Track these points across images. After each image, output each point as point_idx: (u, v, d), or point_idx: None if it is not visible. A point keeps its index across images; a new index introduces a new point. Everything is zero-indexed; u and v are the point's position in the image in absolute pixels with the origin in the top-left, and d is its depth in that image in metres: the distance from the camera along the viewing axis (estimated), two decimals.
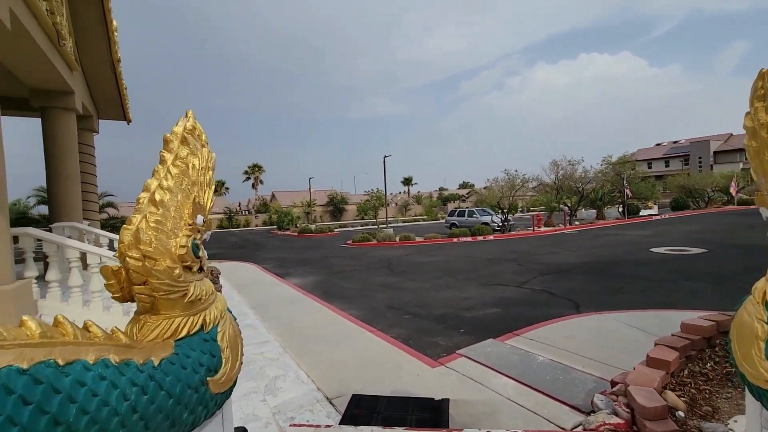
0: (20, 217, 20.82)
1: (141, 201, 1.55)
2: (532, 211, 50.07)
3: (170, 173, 1.64)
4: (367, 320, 6.32)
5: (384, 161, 23.07)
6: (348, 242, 20.55)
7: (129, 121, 11.29)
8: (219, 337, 1.66)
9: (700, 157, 59.31)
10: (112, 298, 1.45)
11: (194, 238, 1.60)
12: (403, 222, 41.80)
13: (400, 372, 4.17)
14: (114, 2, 7.67)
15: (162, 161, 1.67)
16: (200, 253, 1.64)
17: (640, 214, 27.11)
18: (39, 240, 5.01)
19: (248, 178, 64.94)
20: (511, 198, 20.73)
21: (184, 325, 1.54)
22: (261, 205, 58.05)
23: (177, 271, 1.49)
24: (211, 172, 1.79)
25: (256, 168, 65.10)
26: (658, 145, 70.75)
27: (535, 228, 20.60)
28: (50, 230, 6.88)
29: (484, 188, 27.00)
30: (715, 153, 58.80)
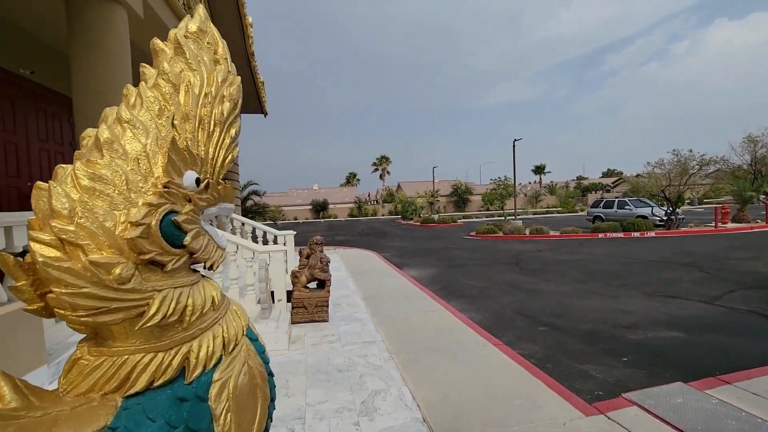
0: None
1: (84, 143, 0.91)
2: (707, 202, 40.22)
3: (141, 98, 0.97)
4: (491, 328, 5.24)
5: (513, 145, 20.87)
6: (471, 233, 19.26)
7: (265, 114, 12.18)
8: (214, 393, 0.92)
9: None
10: (25, 310, 0.84)
11: (172, 211, 0.89)
12: (534, 214, 38.05)
13: (537, 414, 3.05)
14: (252, 4, 8.02)
15: (142, 78, 1.01)
16: (189, 241, 0.92)
17: None
18: None
19: (376, 170, 67.96)
20: (681, 186, 16.42)
21: (144, 370, 0.85)
22: (387, 195, 60.16)
23: (118, 271, 0.79)
24: (228, 105, 1.08)
25: (383, 159, 67.66)
26: None
27: (719, 224, 15.95)
28: None
29: (638, 176, 22.35)
30: None
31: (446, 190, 53.60)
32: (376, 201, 64.50)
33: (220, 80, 1.09)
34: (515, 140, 20.89)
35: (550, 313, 5.85)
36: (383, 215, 50.83)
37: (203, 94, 1.03)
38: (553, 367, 4.01)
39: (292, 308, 5.34)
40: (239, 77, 1.20)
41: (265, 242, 8.26)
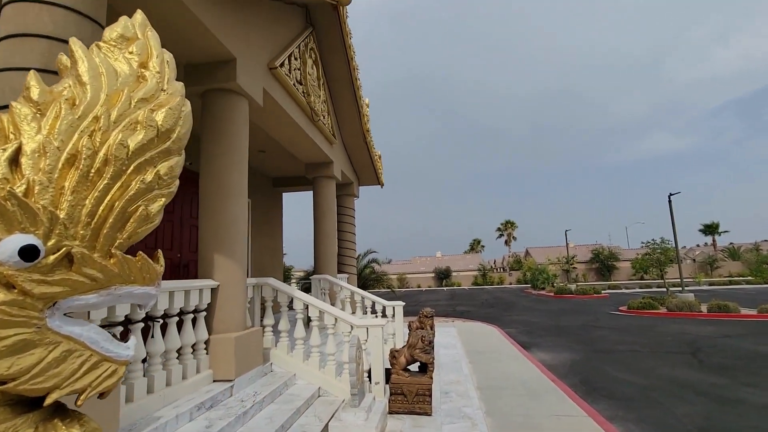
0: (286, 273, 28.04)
1: None
2: None
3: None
4: None
5: (669, 201, 17.32)
6: (621, 308, 15.86)
7: (381, 185, 12.63)
8: None
9: None
10: None
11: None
12: (710, 284, 30.20)
13: None
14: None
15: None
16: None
17: None
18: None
19: (501, 235, 64.80)
20: None
21: None
22: (514, 262, 56.04)
23: None
24: (142, 135, 0.70)
25: (508, 224, 64.45)
26: None
27: None
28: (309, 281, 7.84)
29: None
30: None
31: (584, 255, 47.27)
32: (502, 268, 60.48)
33: (136, 99, 0.73)
34: (671, 194, 17.37)
35: None
36: (510, 284, 46.95)
37: (90, 116, 0.67)
38: None
39: (390, 394, 4.66)
40: (185, 102, 0.83)
41: (374, 312, 7.92)
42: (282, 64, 5.72)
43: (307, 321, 5.05)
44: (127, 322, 3.07)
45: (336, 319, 4.87)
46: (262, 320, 5.10)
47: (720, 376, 6.18)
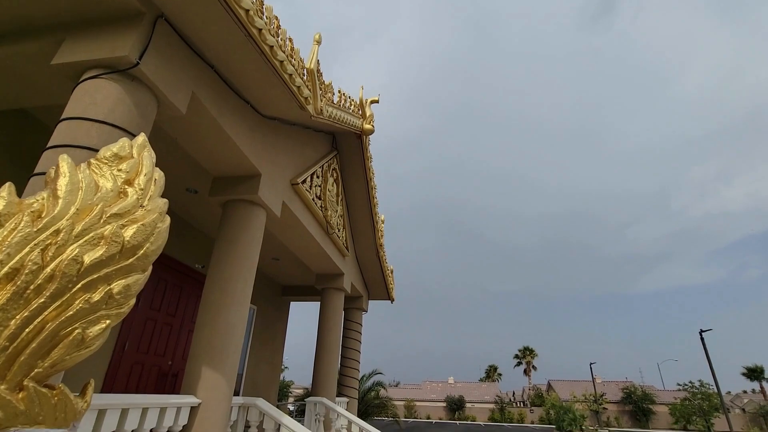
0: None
1: None
2: None
3: None
4: None
5: (702, 338, 16.04)
6: None
7: (392, 300, 12.30)
8: None
9: None
10: None
11: None
12: None
13: None
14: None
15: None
16: None
17: None
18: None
19: (519, 363, 59.83)
20: None
21: None
22: (535, 396, 50.48)
23: None
24: (102, 250, 0.67)
25: (527, 352, 60.00)
26: None
27: None
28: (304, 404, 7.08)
29: None
30: None
31: (613, 393, 42.42)
32: (522, 402, 54.29)
33: (108, 214, 0.71)
34: (702, 331, 16.17)
35: None
36: (532, 422, 41.55)
37: (51, 229, 0.65)
38: None
39: None
40: (163, 219, 0.82)
41: None
42: (304, 181, 6.14)
43: None
44: None
45: None
46: None
47: None
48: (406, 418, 40.94)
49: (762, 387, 49.43)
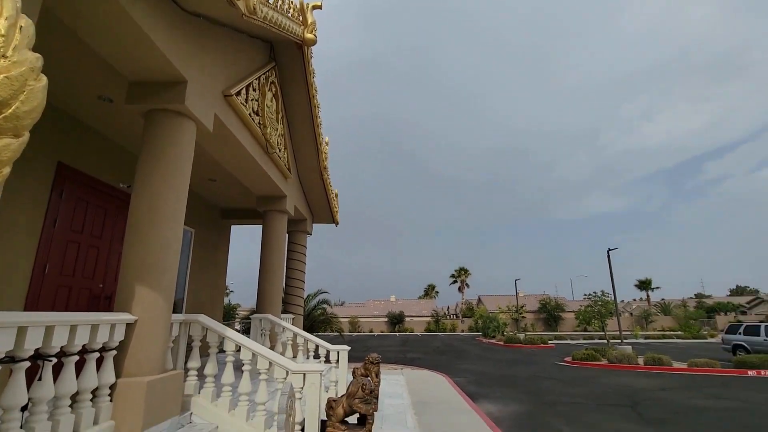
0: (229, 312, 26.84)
1: None
2: None
3: None
4: None
5: (608, 256, 18.46)
6: (566, 359, 16.16)
7: (337, 223, 12.46)
8: None
9: None
10: None
11: None
12: (645, 338, 31.85)
13: None
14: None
15: None
16: None
17: None
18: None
19: (455, 281, 65.49)
20: None
21: None
22: (467, 309, 56.44)
23: None
24: None
25: (462, 271, 65.48)
26: None
27: None
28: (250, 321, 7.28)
29: None
30: None
31: (532, 305, 48.72)
32: (455, 315, 60.63)
33: None
34: (609, 250, 18.56)
35: None
36: (462, 331, 47.00)
37: None
38: None
39: None
40: (38, 78, 0.68)
41: (317, 357, 7.45)
42: (239, 93, 5.61)
43: (240, 365, 4.59)
44: (11, 360, 2.58)
45: (270, 363, 4.47)
46: (186, 363, 4.57)
47: (659, 430, 6.25)
48: (350, 332, 44.23)
49: (648, 295, 59.45)
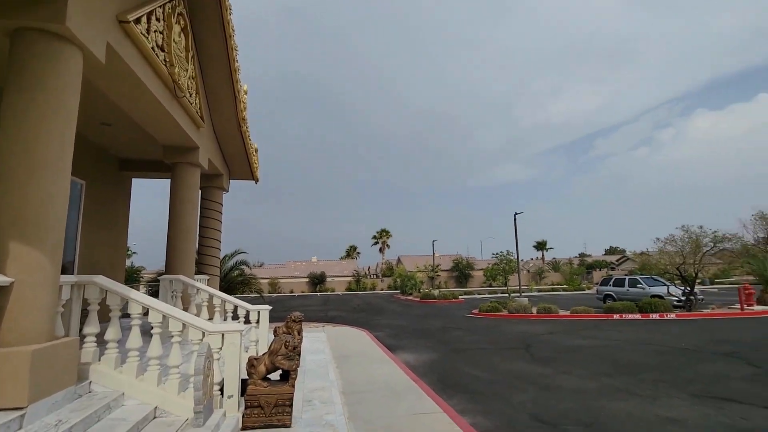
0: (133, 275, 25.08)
1: None
2: (718, 282, 38.72)
3: None
4: None
5: (515, 219, 20.36)
6: (473, 311, 17.86)
7: (257, 180, 11.78)
8: None
9: None
10: None
11: None
12: (539, 291, 36.47)
13: None
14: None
15: None
16: None
17: None
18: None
19: (376, 243, 67.38)
20: (697, 263, 15.45)
21: None
22: (387, 269, 58.80)
23: None
24: None
25: (384, 233, 67.43)
26: None
27: (744, 306, 14.66)
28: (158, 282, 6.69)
29: (642, 253, 21.51)
30: None
31: (447, 264, 52.43)
32: (376, 275, 62.92)
33: None
34: (516, 214, 20.44)
35: (576, 421, 4.59)
36: (382, 289, 49.09)
37: None
38: None
39: (245, 407, 4.17)
40: None
41: (236, 318, 7.19)
42: (138, 21, 4.79)
43: (149, 329, 4.22)
44: None
45: (184, 324, 4.18)
46: (81, 329, 4.07)
47: (545, 367, 7.29)
48: (270, 293, 43.56)
49: (543, 255, 67.63)
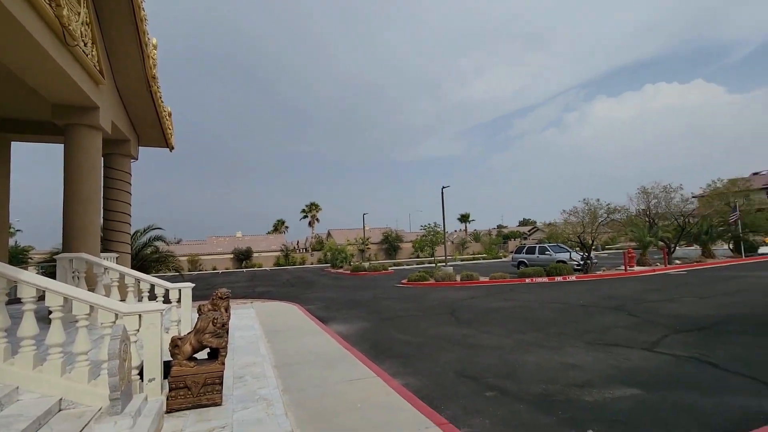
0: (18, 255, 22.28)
1: None
2: (608, 248, 44.72)
3: None
4: (431, 398, 4.29)
5: (442, 192, 21.23)
6: (403, 281, 18.57)
7: (171, 148, 10.70)
8: None
9: None
10: None
11: None
12: (462, 260, 38.98)
13: None
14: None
15: None
16: None
17: (759, 251, 22.19)
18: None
19: (305, 216, 66.10)
20: (593, 232, 17.62)
21: None
22: (317, 243, 58.25)
23: None
24: None
25: (313, 206, 66.26)
26: (755, 174, 61.63)
27: (627, 267, 17.17)
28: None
29: (550, 224, 23.95)
30: None
31: (377, 237, 53.43)
32: (305, 249, 62.09)
33: None
34: (443, 187, 21.31)
35: (496, 373, 5.07)
36: (312, 264, 48.67)
37: None
38: None
39: (170, 390, 3.91)
40: None
41: (153, 298, 6.62)
42: None
43: (47, 314, 3.69)
44: None
45: (92, 307, 3.73)
46: None
47: (468, 328, 7.88)
48: (191, 271, 40.84)
49: (466, 227, 72.00)
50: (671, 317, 7.83)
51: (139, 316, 3.87)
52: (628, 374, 4.77)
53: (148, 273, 11.78)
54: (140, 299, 6.57)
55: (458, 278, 17.22)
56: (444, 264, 21.39)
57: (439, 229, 25.49)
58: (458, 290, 14.64)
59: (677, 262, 19.64)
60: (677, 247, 21.44)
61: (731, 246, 22.34)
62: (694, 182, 58.33)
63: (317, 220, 66.19)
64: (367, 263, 31.11)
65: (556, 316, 8.68)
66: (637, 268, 17.60)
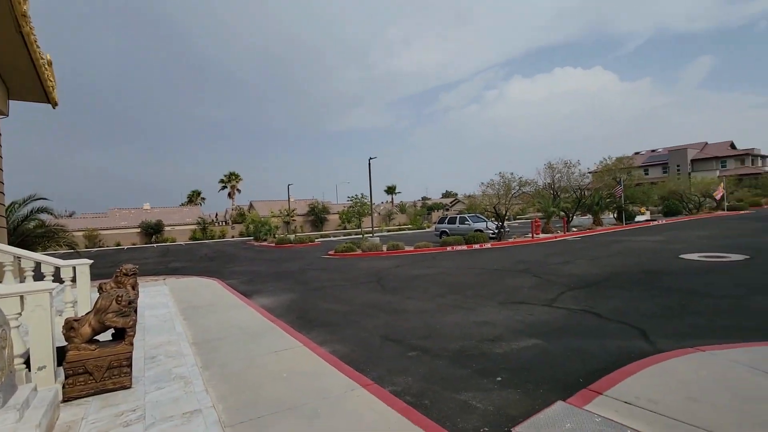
0: None
1: None
2: (519, 218, 49.12)
3: None
4: (358, 362, 4.42)
5: (369, 163, 21.27)
6: (330, 252, 18.55)
7: (54, 104, 9.11)
8: None
9: (678, 165, 59.93)
10: None
11: None
12: (388, 231, 39.98)
13: None
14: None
15: None
16: None
17: (636, 219, 26.11)
18: None
19: (224, 187, 61.98)
20: (507, 203, 19.16)
21: None
22: (238, 215, 55.20)
23: None
24: None
25: (233, 176, 62.24)
26: (636, 153, 71.62)
27: (534, 235, 19.07)
28: None
29: (469, 196, 25.55)
30: (692, 161, 59.64)
31: (302, 209, 52.31)
32: (225, 222, 58.65)
33: None
34: (370, 158, 21.35)
35: (418, 335, 5.37)
36: (233, 237, 46.30)
37: None
38: (432, 404, 3.38)
39: (67, 377, 3.49)
40: None
41: (41, 278, 5.76)
42: None
43: None
44: None
45: None
46: None
47: (393, 295, 8.18)
48: (89, 248, 36.37)
49: (392, 198, 73.57)
50: (567, 277, 8.94)
51: (21, 297, 3.34)
52: (531, 327, 5.37)
53: (33, 249, 10.20)
54: (23, 279, 5.68)
55: (384, 248, 17.67)
56: (371, 235, 21.75)
57: (366, 201, 25.65)
58: (384, 260, 15.05)
59: (574, 229, 22.32)
60: (574, 217, 24.32)
61: (615, 215, 25.96)
62: (593, 159, 65.88)
63: (238, 190, 62.52)
64: (293, 235, 30.45)
65: (473, 280, 9.39)
66: (542, 236, 19.64)
